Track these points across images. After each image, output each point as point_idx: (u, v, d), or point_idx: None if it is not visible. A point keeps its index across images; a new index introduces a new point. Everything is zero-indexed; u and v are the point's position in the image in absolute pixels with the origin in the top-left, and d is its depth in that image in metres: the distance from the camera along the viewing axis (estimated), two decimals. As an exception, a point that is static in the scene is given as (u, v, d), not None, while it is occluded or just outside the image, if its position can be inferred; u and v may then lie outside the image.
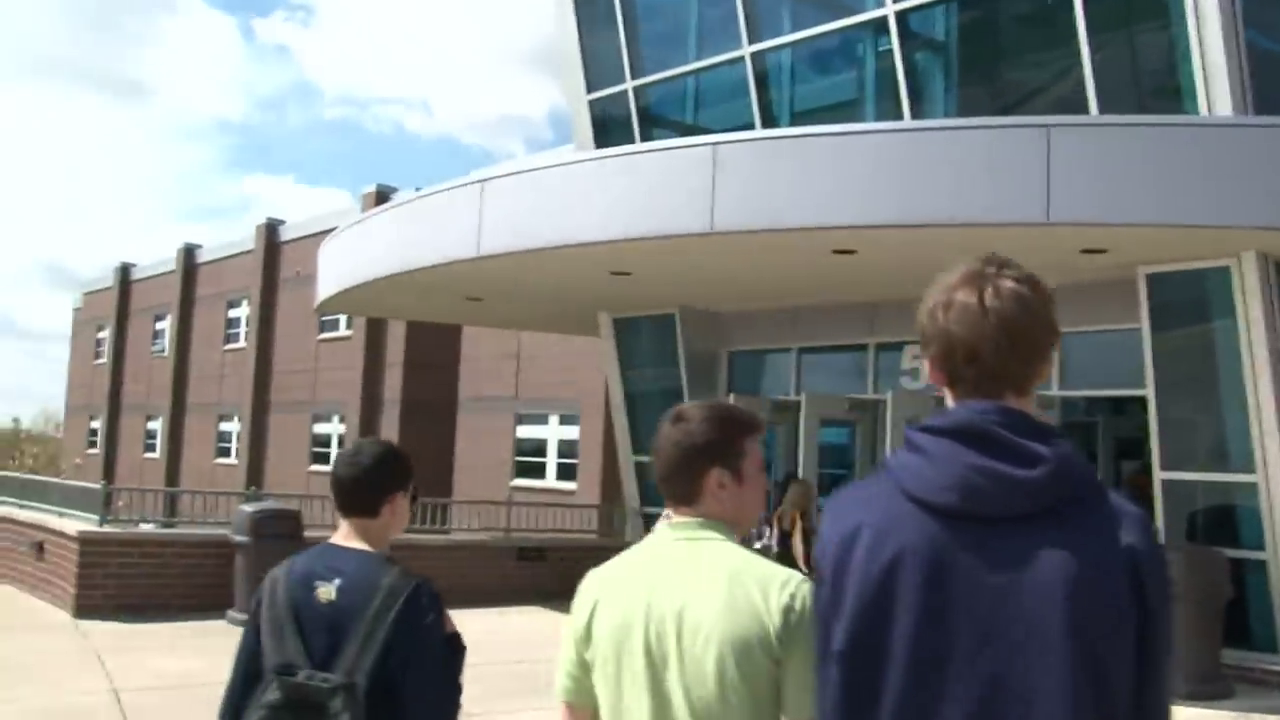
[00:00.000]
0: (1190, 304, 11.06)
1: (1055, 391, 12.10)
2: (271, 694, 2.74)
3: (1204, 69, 10.42)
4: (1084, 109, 11.00)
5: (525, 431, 25.28)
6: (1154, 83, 11.75)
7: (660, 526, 2.52)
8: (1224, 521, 10.81)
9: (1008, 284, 1.81)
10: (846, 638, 1.75)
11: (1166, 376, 10.99)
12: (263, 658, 2.88)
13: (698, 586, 2.26)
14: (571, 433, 24.45)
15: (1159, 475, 10.84)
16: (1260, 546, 10.40)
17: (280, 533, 11.47)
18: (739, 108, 13.62)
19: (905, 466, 1.78)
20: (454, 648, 2.93)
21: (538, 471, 24.90)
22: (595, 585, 2.42)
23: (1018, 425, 1.75)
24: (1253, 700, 9.79)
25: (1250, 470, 10.43)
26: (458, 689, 2.95)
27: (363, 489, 2.96)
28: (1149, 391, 10.99)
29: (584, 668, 2.37)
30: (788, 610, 2.19)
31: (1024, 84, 12.49)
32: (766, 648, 2.18)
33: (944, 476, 1.73)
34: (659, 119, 14.94)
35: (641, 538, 2.76)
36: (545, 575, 14.38)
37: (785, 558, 12.41)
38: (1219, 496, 10.91)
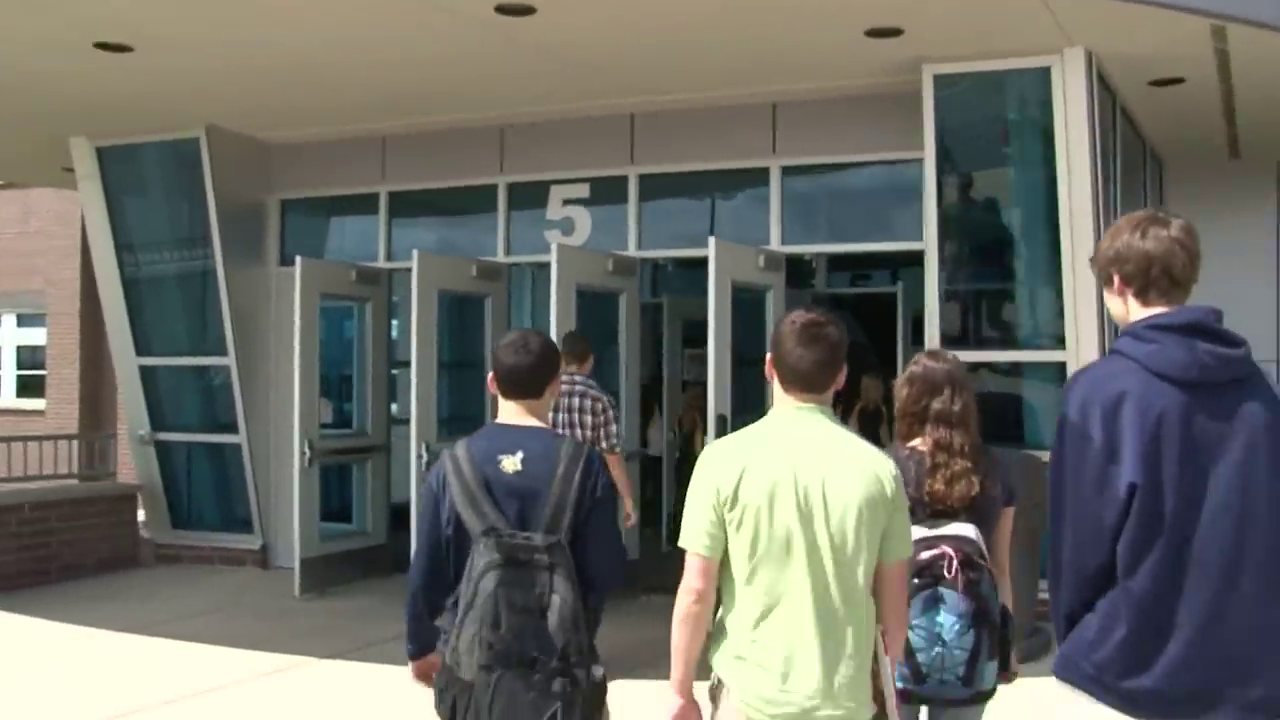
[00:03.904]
0: (987, 123, 7.97)
1: (780, 246, 8.67)
2: (490, 554, 3.06)
3: None
4: None
5: (-32, 336, 18.93)
6: None
7: (787, 407, 3.00)
8: (1014, 417, 7.97)
9: (1179, 221, 2.68)
10: (1140, 472, 2.52)
11: (951, 226, 7.87)
12: (445, 527, 3.22)
13: (833, 456, 2.93)
14: (37, 337, 18.69)
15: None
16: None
17: None
18: None
19: (1147, 354, 2.58)
20: (614, 497, 3.48)
21: (-12, 386, 18.73)
22: (735, 457, 2.94)
23: (1220, 320, 2.62)
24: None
25: (1059, 346, 7.57)
26: (620, 531, 3.65)
27: (533, 375, 3.35)
28: (929, 245, 7.82)
29: (721, 526, 2.90)
30: (896, 479, 2.98)
31: None
32: (885, 504, 2.93)
33: (1185, 358, 2.55)
34: None
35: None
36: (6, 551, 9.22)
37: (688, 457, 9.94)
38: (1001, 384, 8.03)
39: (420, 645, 3.41)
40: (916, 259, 11.19)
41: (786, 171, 8.71)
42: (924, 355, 3.86)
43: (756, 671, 2.88)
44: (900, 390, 3.78)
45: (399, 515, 9.57)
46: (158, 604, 8.85)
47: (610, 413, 6.88)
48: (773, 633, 2.88)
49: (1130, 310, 2.68)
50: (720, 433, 7.75)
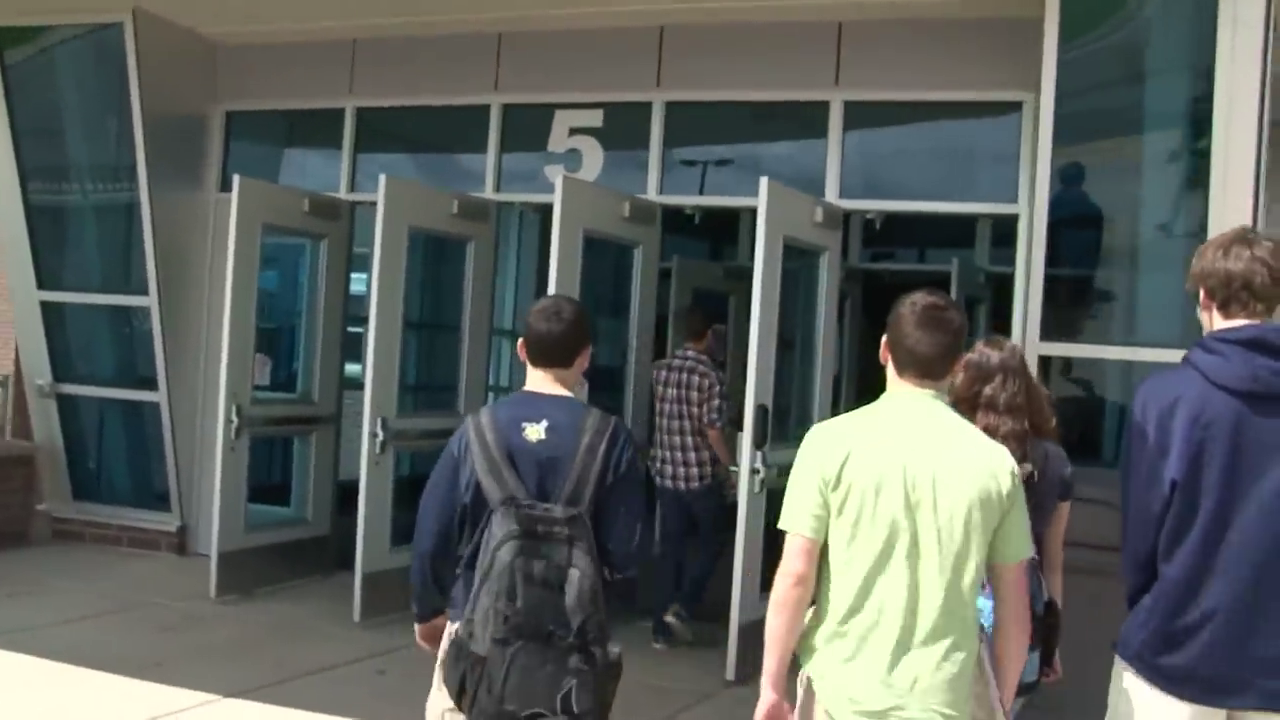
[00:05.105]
0: (1121, 59, 6.25)
1: (839, 200, 6.97)
2: (510, 524, 2.97)
3: None
4: None
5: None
6: None
7: (900, 392, 2.89)
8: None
9: (1267, 244, 2.90)
10: (1181, 470, 2.77)
11: (1065, 188, 6.17)
12: (464, 493, 3.12)
13: (947, 448, 2.80)
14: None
15: (1035, 349, 6.08)
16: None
17: None
18: None
19: (1208, 364, 2.80)
20: (640, 473, 3.38)
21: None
22: (841, 439, 2.83)
23: None
24: None
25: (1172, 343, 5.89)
26: (646, 509, 3.39)
27: (563, 343, 3.23)
28: (1036, 209, 6.12)
29: (826, 509, 2.78)
30: (1014, 475, 2.83)
31: None
32: (1000, 502, 2.78)
33: (1241, 370, 2.77)
34: None
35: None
36: None
37: None
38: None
39: (428, 609, 3.32)
40: (964, 237, 9.73)
41: (850, 109, 7.00)
42: (981, 342, 3.85)
43: (844, 665, 2.78)
44: (956, 376, 3.63)
45: (347, 500, 7.85)
46: (39, 600, 7.10)
47: (717, 389, 6.81)
48: (865, 626, 2.76)
49: (1213, 322, 2.90)
50: (759, 427, 6.10)
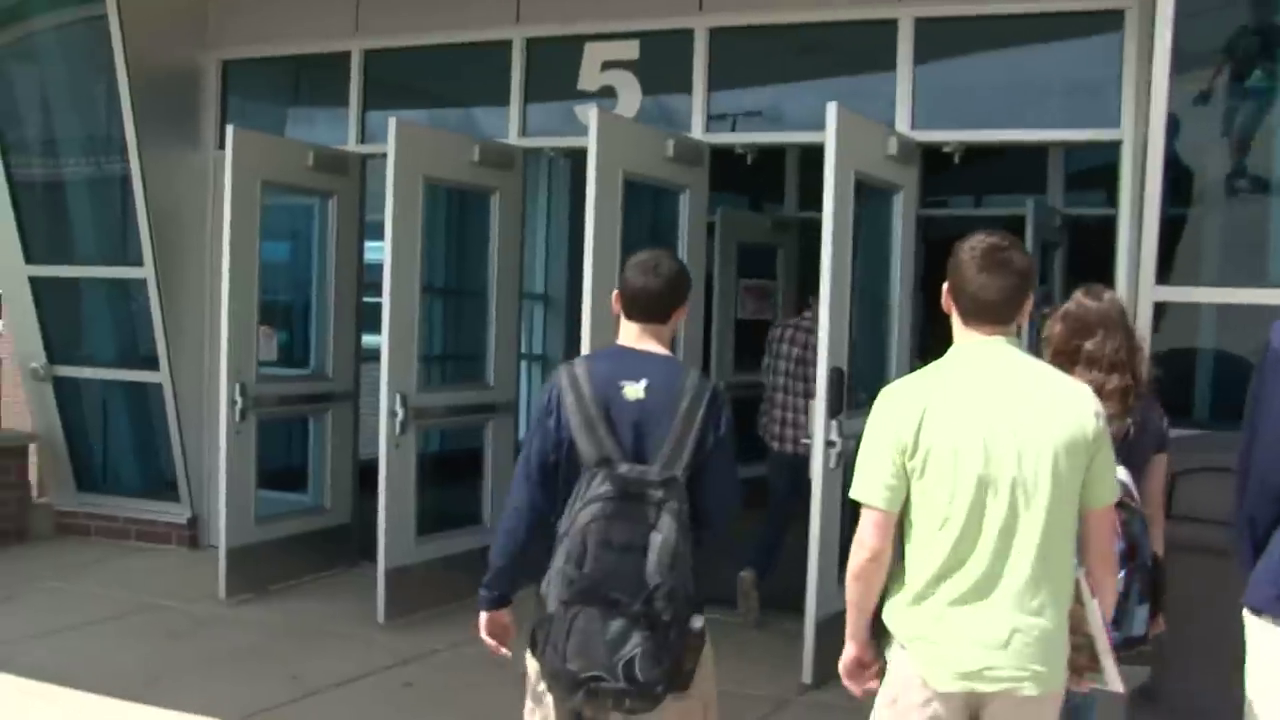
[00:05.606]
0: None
1: (910, 131, 6.12)
2: (603, 485, 2.89)
3: None
4: None
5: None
6: None
7: (970, 341, 2.73)
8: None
9: None
10: None
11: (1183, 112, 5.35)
12: (554, 450, 3.01)
13: (1027, 394, 2.65)
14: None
15: (1150, 294, 5.27)
16: None
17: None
18: None
19: None
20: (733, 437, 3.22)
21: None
22: (914, 400, 2.67)
23: None
24: None
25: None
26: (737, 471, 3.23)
27: (660, 299, 3.15)
28: (1151, 137, 5.27)
29: (902, 477, 2.65)
30: (1099, 415, 2.69)
31: None
32: (1086, 445, 2.64)
33: None
34: None
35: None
36: None
37: None
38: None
39: (501, 593, 3.16)
40: (1028, 178, 8.84)
41: (921, 26, 6.14)
42: (1080, 292, 3.69)
43: (935, 630, 2.66)
44: (1053, 327, 3.65)
45: (369, 483, 7.11)
46: (34, 604, 6.46)
47: None
48: (955, 589, 2.63)
49: None
50: (835, 392, 5.31)
